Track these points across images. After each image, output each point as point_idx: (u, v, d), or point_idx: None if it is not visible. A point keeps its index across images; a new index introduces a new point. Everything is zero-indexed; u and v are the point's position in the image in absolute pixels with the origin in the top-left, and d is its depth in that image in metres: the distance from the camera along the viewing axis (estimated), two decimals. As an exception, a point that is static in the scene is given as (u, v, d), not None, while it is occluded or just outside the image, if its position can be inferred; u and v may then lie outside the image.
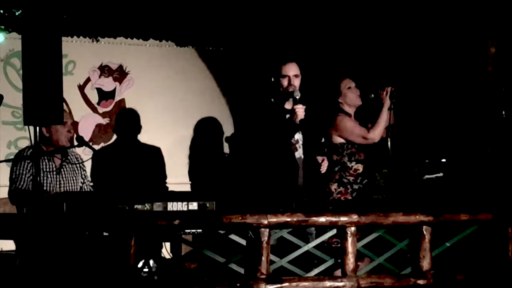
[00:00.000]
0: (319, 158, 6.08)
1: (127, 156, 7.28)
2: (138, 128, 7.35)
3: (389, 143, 6.21)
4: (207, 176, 7.83)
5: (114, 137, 7.79)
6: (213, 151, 7.77)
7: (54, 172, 6.23)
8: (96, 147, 7.62)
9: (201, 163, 7.80)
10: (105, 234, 4.96)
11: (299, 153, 6.08)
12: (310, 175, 6.08)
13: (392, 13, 7.36)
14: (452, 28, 6.94)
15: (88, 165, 6.74)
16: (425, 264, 5.15)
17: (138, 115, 7.45)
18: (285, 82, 6.04)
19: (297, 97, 5.91)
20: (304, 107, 5.88)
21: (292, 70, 6.07)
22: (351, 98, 6.41)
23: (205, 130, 7.94)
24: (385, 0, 7.36)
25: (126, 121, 7.46)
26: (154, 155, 7.36)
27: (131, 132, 7.30)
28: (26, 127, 5.71)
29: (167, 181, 7.73)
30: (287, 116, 5.96)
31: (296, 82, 6.04)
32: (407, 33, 7.30)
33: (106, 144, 7.80)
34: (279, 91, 6.07)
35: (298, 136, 6.07)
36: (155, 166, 7.41)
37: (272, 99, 6.08)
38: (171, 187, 7.34)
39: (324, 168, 6.09)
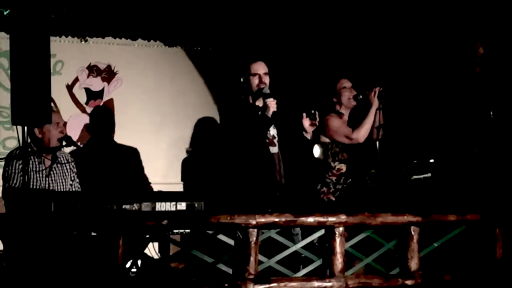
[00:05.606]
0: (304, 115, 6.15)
1: (106, 156, 7.29)
2: (113, 128, 7.40)
3: (377, 144, 6.22)
4: (195, 176, 7.82)
5: (97, 136, 7.75)
6: (201, 150, 7.75)
7: (44, 174, 6.21)
8: (85, 147, 7.60)
9: (189, 163, 7.78)
10: (93, 234, 4.95)
11: (276, 148, 6.15)
12: (290, 171, 6.16)
13: (380, 13, 7.37)
14: (440, 29, 6.95)
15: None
16: (413, 264, 5.16)
17: (113, 115, 7.52)
18: (255, 80, 6.19)
19: (267, 92, 6.06)
20: (275, 100, 6.03)
21: (261, 68, 6.21)
22: (345, 98, 6.43)
23: (194, 129, 7.93)
24: (373, 0, 7.38)
25: (103, 121, 7.51)
26: (132, 154, 7.37)
27: (108, 132, 7.32)
28: (15, 127, 5.69)
29: (155, 181, 7.71)
30: (259, 112, 6.09)
31: (267, 80, 6.18)
32: (395, 34, 7.31)
33: (85, 144, 7.77)
34: (249, 89, 6.18)
35: (273, 131, 6.13)
36: (134, 165, 7.42)
37: (243, 96, 6.20)
38: (159, 187, 7.31)
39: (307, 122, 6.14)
